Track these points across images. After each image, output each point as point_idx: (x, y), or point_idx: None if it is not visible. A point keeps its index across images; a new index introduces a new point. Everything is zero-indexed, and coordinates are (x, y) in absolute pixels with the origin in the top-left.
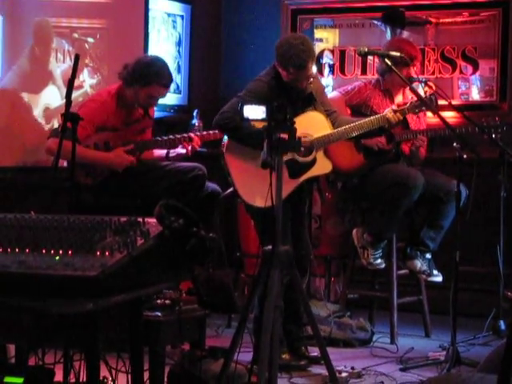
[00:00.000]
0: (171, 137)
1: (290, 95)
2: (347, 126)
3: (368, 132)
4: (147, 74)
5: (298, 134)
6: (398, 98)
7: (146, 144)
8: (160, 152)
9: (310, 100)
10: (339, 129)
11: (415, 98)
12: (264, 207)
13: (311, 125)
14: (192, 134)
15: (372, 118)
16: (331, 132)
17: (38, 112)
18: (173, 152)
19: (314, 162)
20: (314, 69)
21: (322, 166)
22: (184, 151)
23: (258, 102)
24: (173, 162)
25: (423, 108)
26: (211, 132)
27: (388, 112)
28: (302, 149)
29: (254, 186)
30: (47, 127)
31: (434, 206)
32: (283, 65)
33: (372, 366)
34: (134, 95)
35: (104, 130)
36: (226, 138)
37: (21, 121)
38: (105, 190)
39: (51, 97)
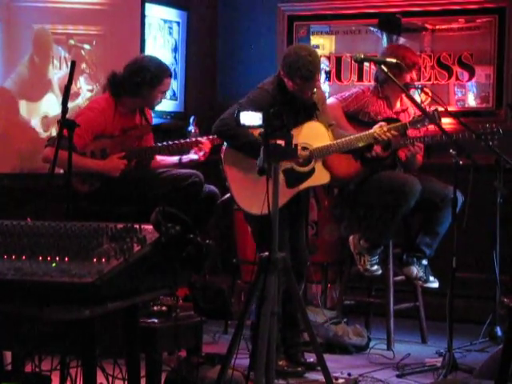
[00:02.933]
0: (170, 143)
1: (293, 105)
2: (346, 138)
3: (362, 147)
4: (155, 74)
5: (298, 143)
6: (397, 105)
7: (138, 151)
8: (172, 159)
9: (312, 110)
10: (338, 140)
11: (413, 105)
12: (261, 214)
13: (311, 135)
14: (201, 139)
15: (367, 132)
16: (331, 143)
17: (36, 120)
18: (185, 158)
19: (312, 172)
20: None
21: (320, 176)
22: (196, 157)
23: (260, 111)
24: (169, 168)
25: (425, 124)
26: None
27: (375, 130)
28: (300, 160)
29: (251, 193)
30: (45, 135)
31: (430, 212)
32: (290, 75)
33: (368, 372)
34: (143, 100)
35: (101, 137)
36: (225, 144)
37: (17, 128)
38: (101, 196)
39: (50, 105)
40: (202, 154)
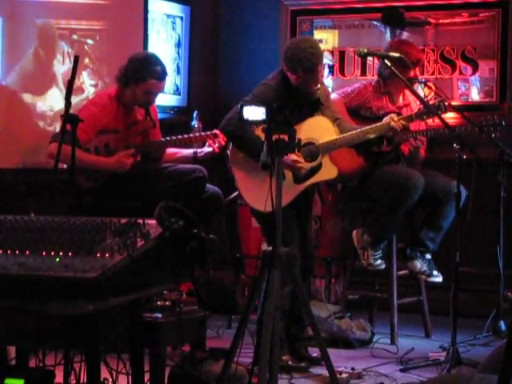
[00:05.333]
0: (173, 137)
1: (298, 100)
2: (353, 132)
3: (371, 139)
4: (140, 70)
5: (304, 138)
6: (399, 100)
7: (146, 146)
8: (187, 152)
9: (317, 105)
10: (345, 134)
11: (416, 100)
12: (265, 210)
13: (317, 130)
14: (217, 131)
15: (377, 124)
16: (337, 137)
17: (40, 114)
18: (200, 152)
19: (319, 167)
20: None
21: (328, 171)
22: (210, 149)
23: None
24: (174, 163)
25: (431, 115)
26: None
27: (390, 120)
28: (307, 153)
29: (258, 190)
30: (49, 129)
31: (433, 206)
32: (292, 68)
33: (372, 366)
34: (132, 94)
35: (105, 133)
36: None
37: (21, 122)
38: (105, 191)
39: (54, 99)
40: (216, 146)
